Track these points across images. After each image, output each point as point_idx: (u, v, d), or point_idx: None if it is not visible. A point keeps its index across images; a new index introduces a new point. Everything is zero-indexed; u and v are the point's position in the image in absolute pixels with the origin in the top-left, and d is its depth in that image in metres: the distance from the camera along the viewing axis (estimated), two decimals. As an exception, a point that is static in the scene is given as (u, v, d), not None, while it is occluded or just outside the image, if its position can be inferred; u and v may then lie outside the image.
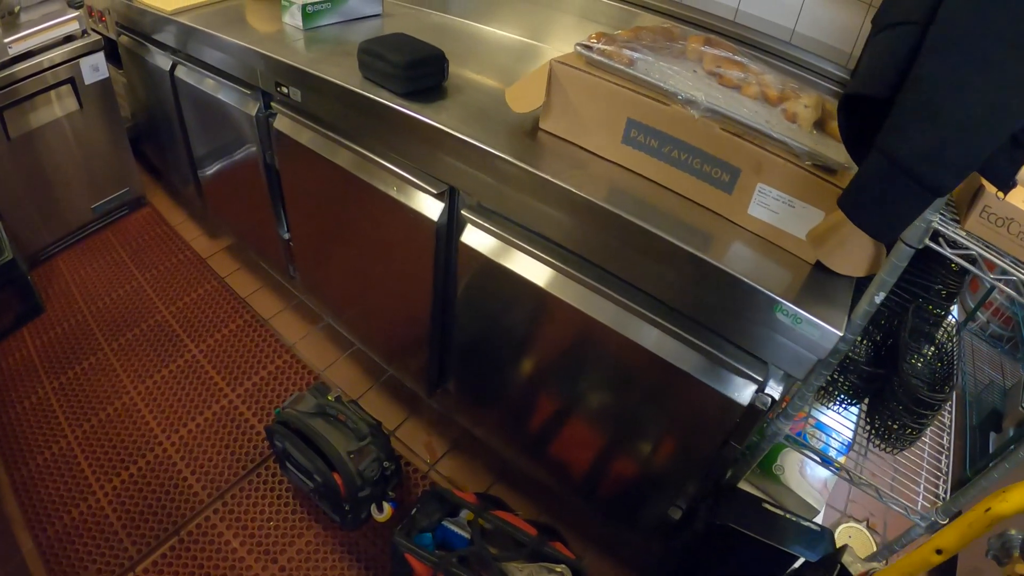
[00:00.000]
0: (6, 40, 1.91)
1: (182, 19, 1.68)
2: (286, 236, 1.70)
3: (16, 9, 2.04)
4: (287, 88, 1.37)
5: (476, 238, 1.14)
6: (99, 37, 2.03)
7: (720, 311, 0.92)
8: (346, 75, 1.25)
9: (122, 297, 2.00)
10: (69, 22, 2.01)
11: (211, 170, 1.94)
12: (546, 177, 0.99)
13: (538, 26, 1.56)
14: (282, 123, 1.45)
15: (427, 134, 1.13)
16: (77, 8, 2.09)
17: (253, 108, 1.52)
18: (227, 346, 1.84)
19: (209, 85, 1.68)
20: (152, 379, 1.78)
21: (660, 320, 0.98)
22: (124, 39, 2.08)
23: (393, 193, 1.23)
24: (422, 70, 1.16)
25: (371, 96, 1.17)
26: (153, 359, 1.83)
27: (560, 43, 1.51)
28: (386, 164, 1.24)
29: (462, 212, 1.14)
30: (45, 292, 2.05)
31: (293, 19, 1.51)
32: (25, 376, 1.85)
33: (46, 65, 1.96)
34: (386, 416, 1.64)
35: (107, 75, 2.07)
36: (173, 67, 1.83)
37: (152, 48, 1.95)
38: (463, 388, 1.44)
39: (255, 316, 1.93)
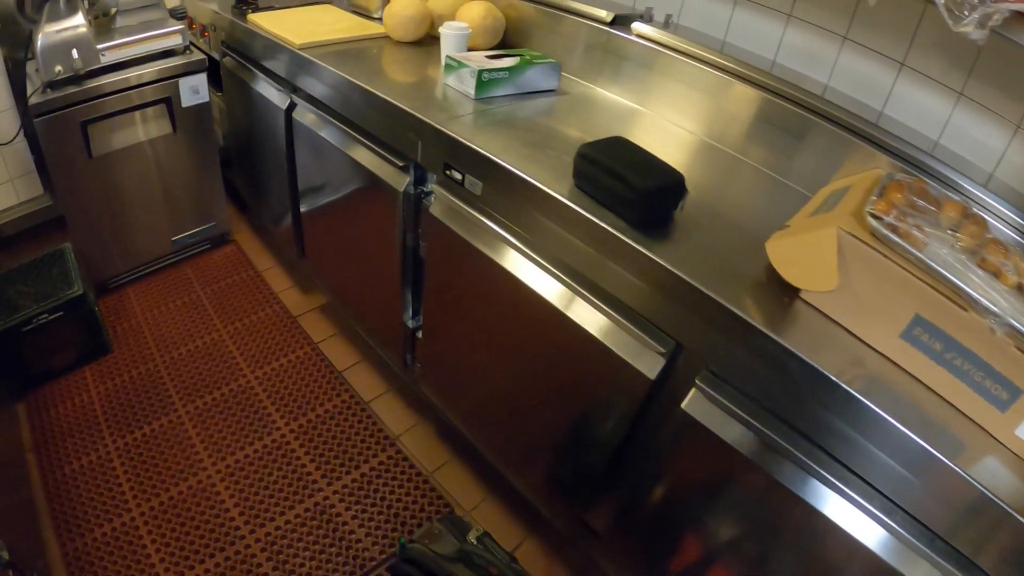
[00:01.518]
0: (99, 47, 1.68)
1: (311, 55, 1.47)
2: (412, 325, 1.48)
3: (112, 11, 1.80)
4: (462, 175, 1.16)
5: (703, 409, 0.94)
6: (202, 56, 1.80)
7: (977, 538, 0.77)
8: (552, 180, 1.04)
9: (200, 350, 1.78)
10: (171, 35, 1.78)
11: (319, 225, 1.72)
12: (816, 366, 0.80)
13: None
14: (443, 210, 1.23)
15: (655, 277, 0.93)
16: (180, 19, 1.86)
17: (402, 182, 1.30)
18: (322, 429, 1.61)
19: (339, 140, 1.46)
20: (234, 456, 1.56)
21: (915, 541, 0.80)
22: (229, 61, 1.85)
23: (596, 333, 1.02)
24: (662, 199, 0.95)
25: (597, 222, 0.96)
26: (236, 432, 1.60)
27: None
28: (592, 298, 1.03)
29: (696, 381, 0.94)
30: (113, 328, 1.82)
31: (462, 84, 1.29)
32: (84, 427, 1.63)
33: (141, 80, 1.73)
34: (502, 534, 1.43)
35: (207, 99, 1.85)
36: (291, 107, 1.61)
37: (261, 77, 1.72)
38: (623, 537, 1.23)
39: (354, 396, 1.70)
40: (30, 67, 1.70)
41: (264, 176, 1.90)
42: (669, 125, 1.34)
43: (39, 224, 2.21)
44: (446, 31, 1.39)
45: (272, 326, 1.85)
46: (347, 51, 1.52)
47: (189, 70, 1.79)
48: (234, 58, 1.84)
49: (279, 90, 1.65)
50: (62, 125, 1.65)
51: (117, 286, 1.94)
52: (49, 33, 1.60)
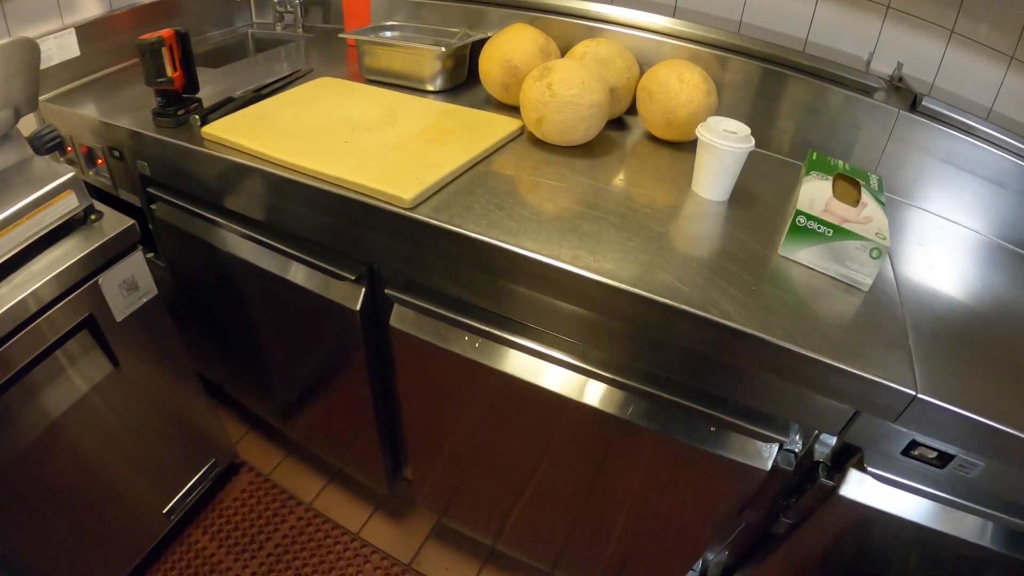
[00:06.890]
0: None
1: (427, 215, 0.76)
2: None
3: None
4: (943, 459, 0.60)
5: None
6: (129, 221, 0.92)
7: None
8: None
9: None
10: (55, 198, 0.87)
11: (444, 437, 1.02)
12: None
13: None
14: None
15: None
16: (51, 149, 0.92)
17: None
18: None
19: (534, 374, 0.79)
20: None
21: None
22: (165, 211, 0.99)
23: None
24: None
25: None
26: None
27: None
28: None
29: None
30: None
31: (839, 265, 0.69)
32: None
33: (17, 319, 0.82)
34: None
35: (155, 291, 0.98)
36: (377, 306, 0.87)
37: (265, 244, 0.92)
38: None
39: None
40: None
41: (295, 375, 1.12)
42: None
43: None
44: (721, 142, 0.74)
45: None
46: (476, 182, 0.80)
47: (111, 255, 0.90)
48: (179, 206, 0.97)
49: (339, 276, 0.87)
50: None
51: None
52: None
